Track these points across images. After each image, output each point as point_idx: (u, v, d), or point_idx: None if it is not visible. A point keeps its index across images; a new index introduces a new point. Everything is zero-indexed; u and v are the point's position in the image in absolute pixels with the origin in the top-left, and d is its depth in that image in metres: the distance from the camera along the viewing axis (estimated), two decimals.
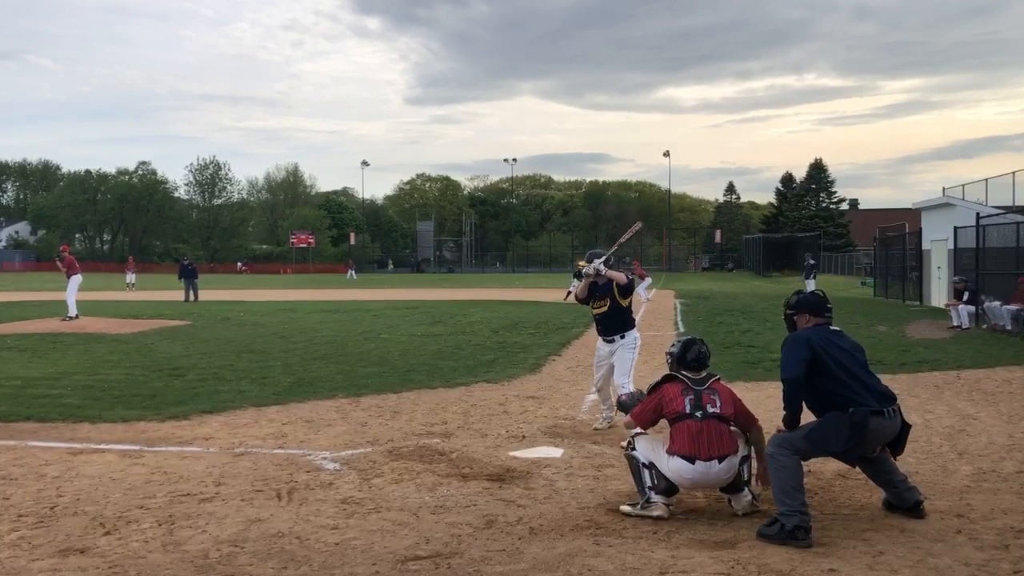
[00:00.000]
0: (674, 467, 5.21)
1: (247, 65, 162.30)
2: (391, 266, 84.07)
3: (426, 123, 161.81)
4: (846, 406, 4.95)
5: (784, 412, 5.11)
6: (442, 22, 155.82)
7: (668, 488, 5.25)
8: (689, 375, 5.52)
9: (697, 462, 5.14)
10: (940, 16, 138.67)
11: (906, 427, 5.20)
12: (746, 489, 5.33)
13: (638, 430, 5.57)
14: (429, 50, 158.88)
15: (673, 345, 5.76)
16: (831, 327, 5.33)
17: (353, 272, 63.71)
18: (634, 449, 5.42)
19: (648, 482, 5.26)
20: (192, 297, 29.35)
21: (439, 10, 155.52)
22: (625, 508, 5.31)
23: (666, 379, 5.59)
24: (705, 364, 5.62)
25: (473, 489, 5.87)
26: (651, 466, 5.28)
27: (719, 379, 5.63)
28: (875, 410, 4.95)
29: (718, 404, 5.34)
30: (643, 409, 5.54)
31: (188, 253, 45.42)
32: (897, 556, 4.49)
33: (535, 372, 11.73)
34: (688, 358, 5.58)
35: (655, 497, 5.22)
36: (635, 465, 5.38)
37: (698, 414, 5.28)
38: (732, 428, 5.36)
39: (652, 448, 5.40)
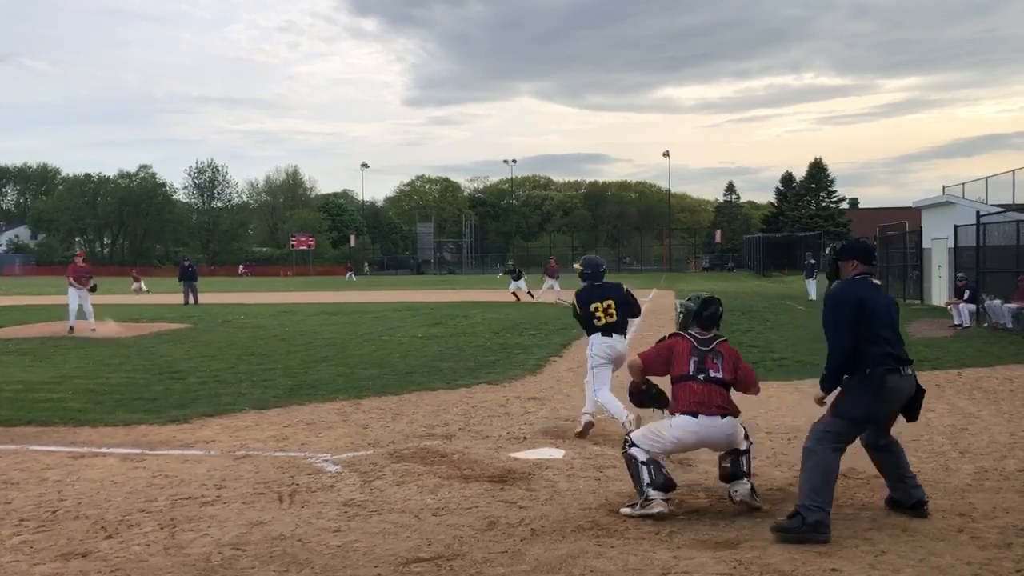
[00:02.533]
0: (679, 424, 5.28)
1: (244, 67, 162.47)
2: (351, 276, 64.04)
3: (424, 124, 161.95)
4: (864, 367, 4.95)
5: (825, 379, 5.11)
6: (439, 23, 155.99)
7: (665, 484, 5.25)
8: (697, 334, 5.57)
9: (700, 416, 5.25)
10: (939, 13, 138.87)
11: (920, 391, 5.18)
12: (746, 479, 5.40)
13: (635, 430, 5.60)
14: (426, 51, 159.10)
15: (690, 299, 5.77)
16: (874, 280, 5.29)
17: (352, 274, 63.74)
18: (632, 446, 5.40)
19: (646, 479, 5.25)
20: (192, 300, 29.17)
21: (435, 11, 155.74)
22: (624, 511, 5.30)
23: (673, 336, 5.65)
24: (717, 325, 5.70)
25: (474, 491, 5.87)
26: (648, 462, 5.28)
27: (725, 340, 5.66)
28: (890, 368, 4.97)
29: (720, 368, 5.44)
30: (656, 355, 5.57)
31: (188, 255, 45.15)
32: (899, 555, 4.49)
33: (536, 373, 11.73)
34: (705, 314, 5.64)
35: (653, 493, 5.20)
36: (633, 464, 5.37)
37: (700, 376, 5.38)
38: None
39: (651, 430, 5.45)
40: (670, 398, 5.51)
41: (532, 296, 30.23)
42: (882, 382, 4.95)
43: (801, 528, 4.70)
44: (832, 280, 5.54)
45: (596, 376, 7.68)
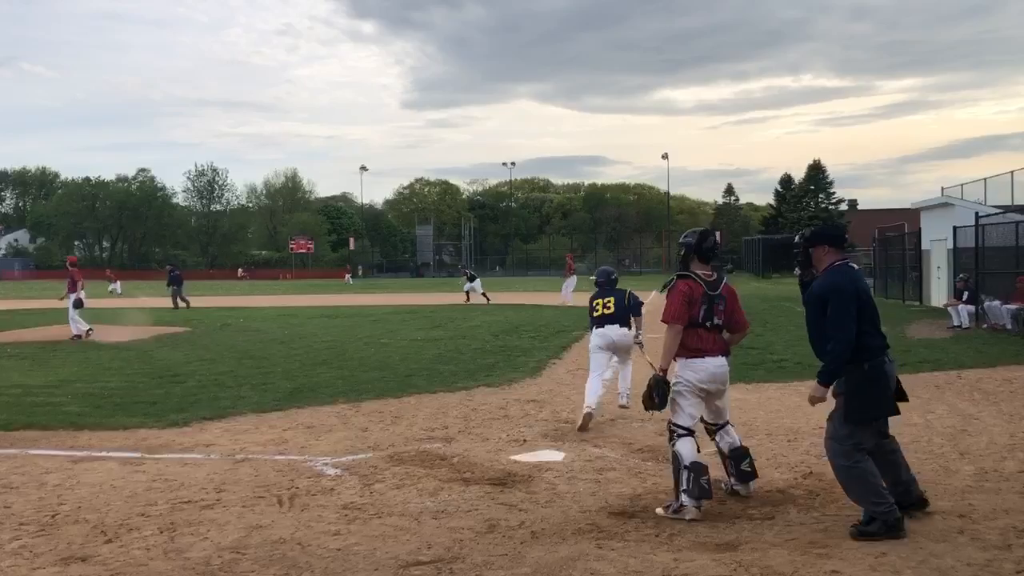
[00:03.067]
0: (692, 367, 5.53)
1: (242, 71, 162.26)
2: (349, 278, 63.43)
3: (423, 127, 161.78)
4: (863, 360, 4.91)
5: (826, 372, 5.00)
6: (437, 25, 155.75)
7: (700, 493, 5.32)
8: (703, 275, 5.65)
9: (707, 357, 5.55)
10: (937, 15, 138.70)
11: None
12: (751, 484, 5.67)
13: (679, 420, 5.58)
14: (425, 54, 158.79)
15: (687, 235, 5.86)
16: (852, 264, 5.24)
17: (350, 277, 63.73)
18: (679, 438, 5.48)
19: (683, 484, 5.34)
20: (182, 304, 28.64)
21: (434, 13, 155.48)
22: (659, 511, 5.41)
23: (681, 278, 5.69)
24: (717, 256, 5.82)
25: (474, 493, 5.87)
26: (692, 467, 5.34)
27: (727, 283, 5.77)
28: (885, 358, 4.98)
29: (722, 314, 5.65)
30: (676, 307, 5.57)
31: (175, 259, 44.87)
32: (899, 556, 4.49)
33: (536, 376, 11.72)
34: (704, 247, 5.74)
35: (687, 501, 5.29)
36: (676, 464, 5.46)
37: (707, 324, 5.59)
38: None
39: (673, 402, 5.56)
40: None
41: (487, 299, 30.15)
42: (882, 373, 4.95)
43: (882, 530, 4.74)
44: (804, 270, 5.49)
45: (591, 360, 8.60)
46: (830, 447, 5.10)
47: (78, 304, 17.85)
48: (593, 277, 9.36)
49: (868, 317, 4.98)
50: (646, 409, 5.79)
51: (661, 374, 5.62)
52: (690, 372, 5.55)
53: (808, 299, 5.31)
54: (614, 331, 8.57)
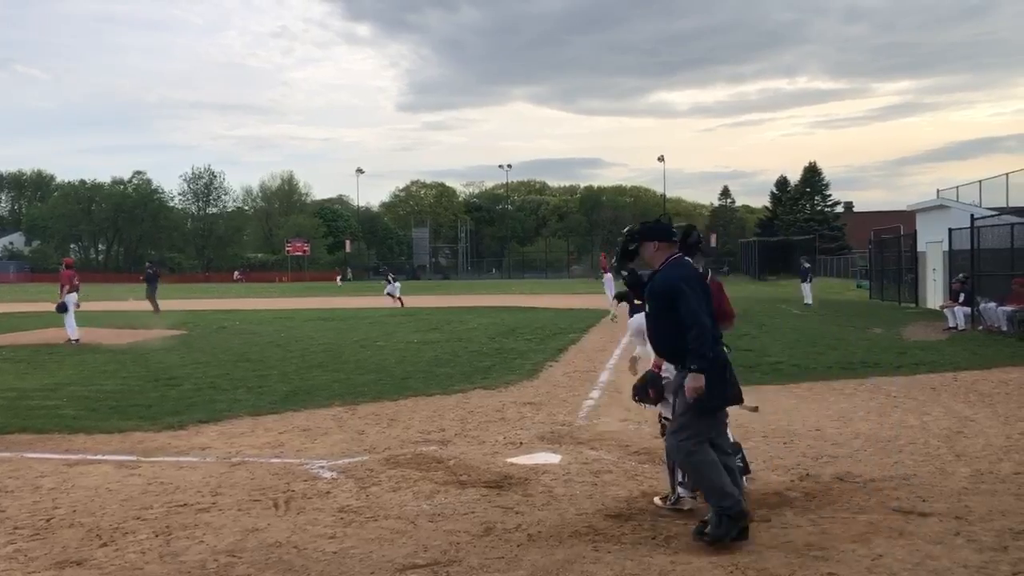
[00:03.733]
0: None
1: (238, 73, 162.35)
2: (339, 280, 66.62)
3: (419, 129, 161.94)
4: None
5: (697, 357, 4.83)
6: (433, 28, 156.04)
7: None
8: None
9: None
10: (932, 17, 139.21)
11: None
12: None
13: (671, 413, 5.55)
14: (420, 56, 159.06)
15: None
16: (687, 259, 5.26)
17: (339, 279, 63.96)
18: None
19: (680, 477, 5.45)
20: (152, 307, 27.64)
21: (429, 16, 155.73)
22: (656, 501, 5.58)
23: None
24: (701, 251, 5.74)
25: (471, 496, 5.86)
26: None
27: (713, 278, 5.72)
28: (722, 346, 5.06)
29: (715, 310, 5.52)
30: None
31: (153, 258, 43.87)
32: (896, 559, 4.49)
33: (532, 378, 11.71)
34: (689, 242, 5.65)
35: (684, 493, 5.46)
36: (670, 458, 5.49)
37: None
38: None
39: (664, 395, 5.59)
40: None
41: (401, 304, 30.26)
42: (726, 362, 5.00)
43: (730, 525, 4.70)
44: (622, 264, 5.56)
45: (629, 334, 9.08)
46: (670, 442, 5.11)
47: (62, 308, 17.63)
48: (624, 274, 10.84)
49: (707, 309, 5.02)
50: (637, 402, 5.83)
51: (656, 370, 5.65)
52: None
53: (650, 294, 5.25)
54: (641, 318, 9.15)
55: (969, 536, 4.86)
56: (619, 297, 9.00)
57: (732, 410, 5.18)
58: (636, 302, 8.75)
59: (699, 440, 4.93)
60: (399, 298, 30.70)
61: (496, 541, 4.90)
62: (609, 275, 29.76)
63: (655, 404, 5.69)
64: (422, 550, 4.75)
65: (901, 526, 5.04)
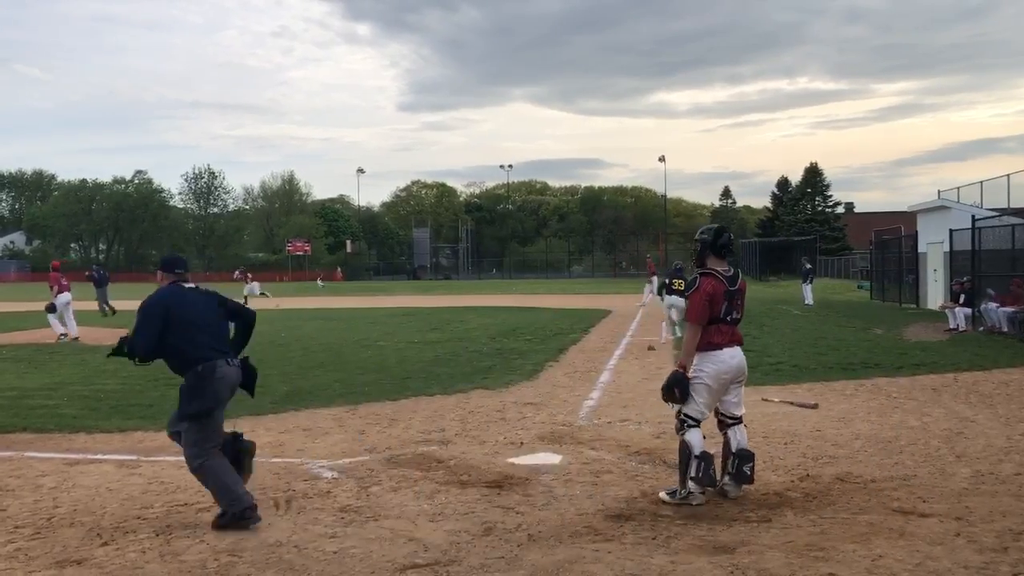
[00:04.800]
0: (712, 359, 5.68)
1: (237, 73, 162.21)
2: (320, 281, 63.75)
3: (419, 130, 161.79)
4: (195, 363, 5.28)
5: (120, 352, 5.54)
6: (432, 28, 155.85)
7: (709, 481, 5.59)
8: (722, 271, 5.82)
9: (724, 348, 5.71)
10: (932, 18, 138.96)
11: (255, 372, 5.70)
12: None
13: (691, 411, 5.73)
14: (420, 56, 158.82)
15: (704, 232, 6.04)
16: (187, 284, 5.59)
17: (320, 280, 63.68)
18: (689, 428, 5.65)
19: (692, 472, 5.53)
20: (108, 309, 26.75)
21: (429, 16, 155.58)
22: (663, 496, 5.64)
23: (703, 276, 5.84)
24: (732, 252, 6.02)
25: (471, 496, 5.86)
26: (701, 457, 5.55)
27: (743, 279, 5.98)
28: (216, 360, 5.32)
29: (740, 308, 5.85)
30: (699, 309, 5.74)
31: (98, 263, 43.17)
32: (896, 559, 4.49)
33: (533, 378, 11.72)
34: (719, 243, 5.92)
35: (694, 487, 5.53)
36: (685, 453, 5.63)
37: (728, 318, 5.78)
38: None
39: (689, 396, 5.70)
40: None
41: (267, 295, 30.17)
42: (211, 373, 5.29)
43: (234, 517, 5.13)
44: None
45: (665, 312, 15.39)
46: (184, 454, 5.45)
47: (51, 309, 18.29)
48: (674, 265, 17.94)
49: (185, 333, 5.34)
50: (666, 402, 5.91)
51: (681, 370, 5.75)
52: (710, 364, 5.71)
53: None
54: (675, 299, 15.60)
55: (970, 537, 4.86)
56: (661, 287, 13.56)
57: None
58: (676, 290, 14.06)
59: (203, 447, 5.33)
60: (263, 294, 30.54)
61: (496, 541, 4.90)
62: (655, 277, 29.77)
63: (682, 403, 5.74)
64: (423, 550, 4.76)
65: (901, 527, 5.04)
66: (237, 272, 43.64)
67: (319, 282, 62.50)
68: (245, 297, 30.51)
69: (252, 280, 34.13)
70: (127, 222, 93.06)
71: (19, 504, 5.77)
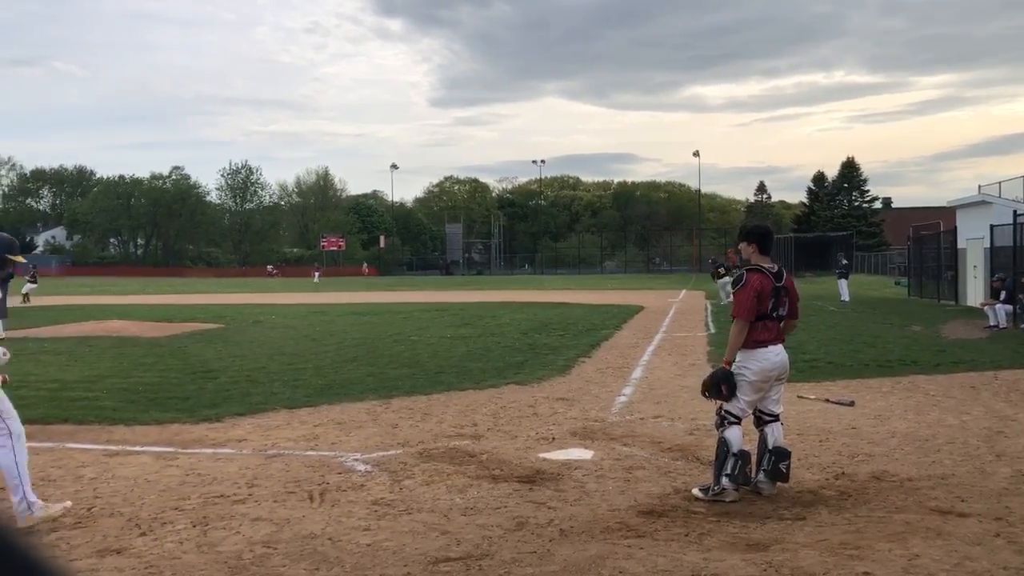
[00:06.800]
0: (758, 356, 5.69)
1: (270, 69, 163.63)
2: (317, 277, 58.89)
3: (451, 125, 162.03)
4: None
5: None
6: (464, 23, 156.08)
7: (744, 480, 5.61)
8: (768, 268, 5.86)
9: (770, 346, 5.74)
10: (973, 9, 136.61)
11: None
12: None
13: (732, 408, 5.76)
14: (452, 51, 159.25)
15: (753, 228, 6.13)
16: None
17: (317, 275, 59.63)
18: (730, 424, 5.67)
19: (728, 469, 5.54)
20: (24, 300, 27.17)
21: (461, 11, 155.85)
22: (696, 492, 5.64)
23: (751, 272, 5.86)
24: (772, 247, 6.10)
25: (503, 491, 5.88)
26: (739, 455, 5.56)
27: (790, 277, 6.02)
28: None
29: (785, 305, 5.88)
30: (747, 305, 5.74)
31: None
32: (933, 559, 4.43)
33: (564, 374, 11.71)
34: (765, 240, 6.00)
35: (728, 484, 5.53)
36: (722, 450, 5.63)
37: (775, 314, 5.81)
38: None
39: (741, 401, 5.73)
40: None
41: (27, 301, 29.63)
42: None
43: None
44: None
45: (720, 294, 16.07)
46: None
47: None
48: (710, 259, 16.35)
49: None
50: (709, 398, 5.92)
51: (727, 367, 5.77)
52: (754, 362, 5.72)
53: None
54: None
55: (1009, 538, 4.78)
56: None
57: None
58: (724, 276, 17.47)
59: None
60: (26, 295, 30.49)
61: (528, 536, 4.91)
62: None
63: (728, 400, 5.74)
64: (455, 544, 4.78)
65: (939, 526, 4.97)
66: (271, 267, 43.42)
67: (315, 277, 58.09)
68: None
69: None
70: (165, 217, 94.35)
71: (61, 494, 5.88)
